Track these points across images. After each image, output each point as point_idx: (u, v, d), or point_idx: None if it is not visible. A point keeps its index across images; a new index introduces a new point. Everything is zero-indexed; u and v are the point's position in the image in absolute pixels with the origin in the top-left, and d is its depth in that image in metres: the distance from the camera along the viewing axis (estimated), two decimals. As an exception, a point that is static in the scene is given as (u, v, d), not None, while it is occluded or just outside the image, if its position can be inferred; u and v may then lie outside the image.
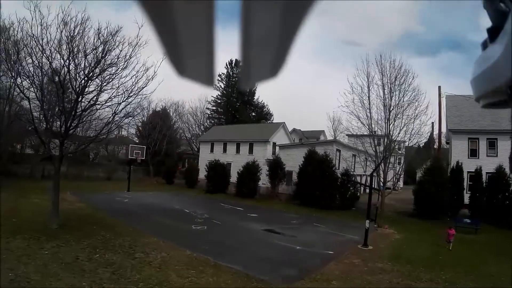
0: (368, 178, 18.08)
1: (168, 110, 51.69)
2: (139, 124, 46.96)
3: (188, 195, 30.97)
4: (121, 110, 14.48)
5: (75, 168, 34.55)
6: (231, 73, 58.84)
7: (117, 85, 13.85)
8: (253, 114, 58.67)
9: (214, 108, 59.46)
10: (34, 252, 10.10)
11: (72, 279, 8.40)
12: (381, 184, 23.96)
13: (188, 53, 0.33)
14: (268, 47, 0.33)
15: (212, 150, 40.13)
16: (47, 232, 12.38)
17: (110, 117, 14.56)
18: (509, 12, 0.49)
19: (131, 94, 14.06)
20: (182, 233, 14.91)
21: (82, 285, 8.16)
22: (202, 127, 56.04)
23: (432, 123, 28.78)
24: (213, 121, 57.67)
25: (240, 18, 0.30)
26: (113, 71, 13.56)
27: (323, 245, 14.19)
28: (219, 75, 59.23)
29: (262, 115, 58.54)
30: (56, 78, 12.94)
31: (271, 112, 60.26)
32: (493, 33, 0.55)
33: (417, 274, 10.80)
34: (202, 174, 34.93)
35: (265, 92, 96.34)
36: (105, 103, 14.04)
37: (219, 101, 59.21)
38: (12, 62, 12.82)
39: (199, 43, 0.32)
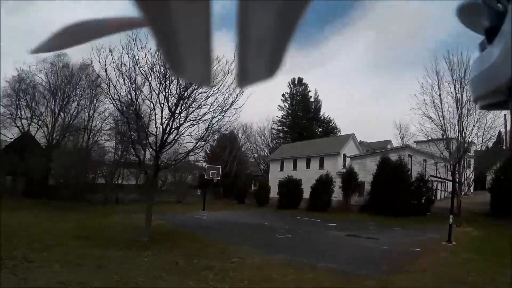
0: (441, 183, 17.69)
1: (236, 132, 53.29)
2: (208, 148, 48.98)
3: (262, 211, 31.52)
4: (213, 126, 15.42)
5: (145, 195, 36.67)
6: (294, 91, 59.85)
7: (210, 102, 14.87)
8: (320, 129, 58.60)
9: (280, 127, 60.48)
10: (132, 260, 10.45)
11: (177, 280, 8.59)
12: (457, 185, 23.18)
13: (185, 52, 0.33)
14: (265, 47, 0.33)
15: (282, 168, 40.64)
16: (139, 244, 12.93)
17: (203, 133, 15.41)
18: (507, 13, 0.49)
19: (224, 109, 14.97)
20: (270, 241, 15.00)
21: (189, 284, 8.33)
22: (268, 147, 57.14)
23: (505, 115, 27.24)
24: (279, 141, 58.19)
25: (236, 18, 0.30)
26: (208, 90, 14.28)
27: (407, 244, 14.28)
28: (283, 95, 60.49)
29: (328, 129, 58.22)
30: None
31: (337, 126, 59.58)
32: (491, 34, 0.53)
33: (506, 261, 10.49)
34: (272, 192, 35.66)
35: (329, 105, 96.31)
36: (200, 118, 14.98)
37: (284, 120, 60.13)
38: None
39: (196, 42, 0.32)
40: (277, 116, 60.31)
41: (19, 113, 33.57)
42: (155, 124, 15.00)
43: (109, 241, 13.13)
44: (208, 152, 49.46)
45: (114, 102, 14.78)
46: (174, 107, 14.49)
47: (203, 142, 15.90)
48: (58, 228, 15.47)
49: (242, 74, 0.36)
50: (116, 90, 14.33)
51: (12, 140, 34.24)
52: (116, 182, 38.62)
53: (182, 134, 15.00)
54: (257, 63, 0.35)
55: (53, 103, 32.60)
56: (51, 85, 32.74)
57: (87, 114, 34.75)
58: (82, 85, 33.70)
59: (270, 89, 60.68)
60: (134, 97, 14.32)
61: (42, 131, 34.40)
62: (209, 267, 9.88)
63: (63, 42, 0.42)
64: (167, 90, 14.27)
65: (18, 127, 33.98)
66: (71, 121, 33.10)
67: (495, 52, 0.50)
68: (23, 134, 33.71)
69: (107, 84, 14.28)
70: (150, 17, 0.30)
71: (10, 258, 9.36)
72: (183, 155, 17.08)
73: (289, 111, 59.92)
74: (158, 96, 14.31)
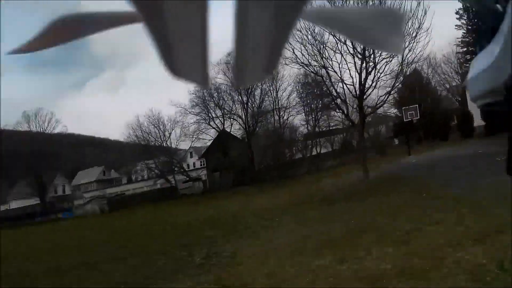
0: None
1: (419, 68, 47.77)
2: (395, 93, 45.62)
3: (470, 144, 26.65)
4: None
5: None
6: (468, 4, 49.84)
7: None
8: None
9: (464, 48, 51.40)
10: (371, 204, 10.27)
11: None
12: None
13: (181, 52, 0.33)
14: (262, 46, 0.33)
15: (483, 90, 34.45)
16: (361, 193, 12.71)
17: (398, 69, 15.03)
18: (505, 14, 0.48)
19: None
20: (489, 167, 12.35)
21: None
22: (458, 74, 49.17)
23: None
24: (468, 64, 49.60)
25: (234, 17, 0.30)
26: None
27: None
28: (456, 12, 51.16)
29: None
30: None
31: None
32: (490, 34, 0.52)
33: None
34: (476, 121, 30.18)
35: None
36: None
37: (467, 39, 50.83)
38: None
39: (193, 42, 0.32)
40: (457, 38, 51.04)
41: (211, 114, 37.24)
42: (349, 73, 14.68)
43: (331, 198, 13.08)
44: (396, 97, 45.68)
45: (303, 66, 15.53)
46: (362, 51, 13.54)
47: (401, 78, 14.65)
48: (274, 202, 15.99)
49: (239, 73, 0.37)
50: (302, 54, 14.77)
51: (212, 140, 38.41)
52: (312, 154, 39.46)
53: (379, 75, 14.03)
54: (254, 62, 0.35)
55: (239, 95, 34.96)
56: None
57: (273, 94, 36.34)
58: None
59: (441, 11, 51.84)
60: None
61: (237, 122, 37.65)
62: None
63: (47, 40, 0.38)
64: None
65: (213, 128, 37.88)
66: (260, 106, 35.16)
67: (493, 52, 0.51)
68: (219, 132, 37.36)
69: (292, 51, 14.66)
70: (146, 17, 0.30)
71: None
72: (383, 95, 15.55)
73: (469, 27, 49.83)
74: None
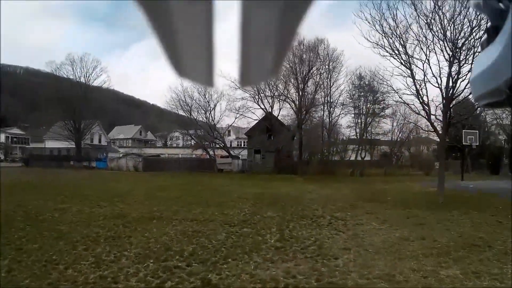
0: None
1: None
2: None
3: None
4: None
5: (382, 171, 35.94)
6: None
7: None
8: None
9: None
10: (447, 218, 9.87)
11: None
12: None
13: (187, 53, 0.33)
14: (267, 47, 0.33)
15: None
16: (436, 205, 12.27)
17: None
18: (508, 12, 0.48)
19: None
20: None
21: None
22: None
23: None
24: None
25: (239, 18, 0.30)
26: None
27: None
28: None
29: None
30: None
31: None
32: (492, 33, 0.52)
33: None
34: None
35: None
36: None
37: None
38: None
39: (199, 43, 0.32)
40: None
41: (261, 94, 36.03)
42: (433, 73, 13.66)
43: (403, 203, 12.70)
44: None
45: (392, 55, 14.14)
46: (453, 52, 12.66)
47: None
48: (337, 194, 15.71)
49: (245, 74, 0.37)
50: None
51: (258, 120, 37.54)
52: (351, 158, 38.82)
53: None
54: (259, 63, 0.35)
55: (295, 79, 34.13)
56: (290, 64, 33.74)
57: (324, 90, 35.53)
58: (319, 61, 34.42)
59: None
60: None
61: (288, 107, 36.74)
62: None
63: None
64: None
65: (261, 108, 36.87)
66: (313, 99, 34.31)
67: (496, 51, 0.49)
68: (266, 114, 36.58)
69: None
70: (152, 18, 0.30)
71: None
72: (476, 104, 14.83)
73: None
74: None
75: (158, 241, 6.71)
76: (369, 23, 14.60)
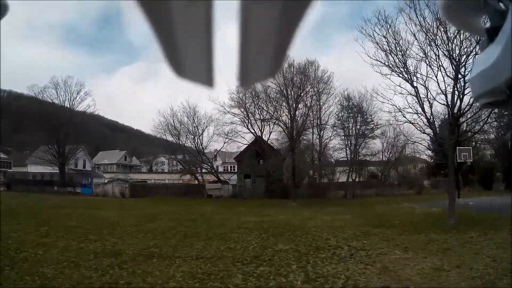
0: None
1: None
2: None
3: None
4: None
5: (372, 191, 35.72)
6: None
7: None
8: None
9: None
10: (468, 241, 9.44)
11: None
12: None
13: (187, 54, 0.33)
14: (267, 47, 0.33)
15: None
16: (446, 227, 11.77)
17: None
18: (508, 12, 0.48)
19: None
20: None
21: None
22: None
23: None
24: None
25: (238, 18, 0.30)
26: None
27: None
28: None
29: None
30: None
31: None
32: (492, 33, 0.52)
33: None
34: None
35: None
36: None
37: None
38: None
39: (198, 44, 0.32)
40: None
41: (250, 118, 35.56)
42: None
43: (414, 227, 12.15)
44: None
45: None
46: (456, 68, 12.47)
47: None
48: (339, 220, 14.99)
49: (244, 74, 0.36)
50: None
51: (247, 145, 36.98)
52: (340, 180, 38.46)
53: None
54: (259, 63, 0.35)
55: (287, 102, 33.60)
56: (281, 87, 33.24)
57: (314, 113, 35.05)
58: (309, 83, 34.04)
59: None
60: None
61: (278, 131, 36.02)
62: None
63: None
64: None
65: (251, 132, 36.23)
66: (305, 121, 33.71)
67: (496, 51, 0.49)
68: (256, 138, 35.95)
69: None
70: (152, 18, 0.30)
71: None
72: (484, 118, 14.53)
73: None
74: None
75: (174, 283, 5.75)
76: (373, 40, 14.27)
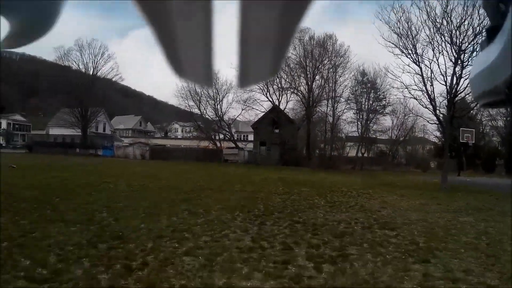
0: None
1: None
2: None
3: None
4: None
5: (380, 168, 37.74)
6: None
7: None
8: None
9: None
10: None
11: None
12: None
13: (186, 53, 0.33)
14: (266, 47, 0.34)
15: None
16: (440, 190, 13.78)
17: None
18: (508, 12, 0.48)
19: None
20: None
21: None
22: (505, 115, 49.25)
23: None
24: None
25: (238, 18, 0.31)
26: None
27: None
28: None
29: None
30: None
31: None
32: (492, 33, 0.53)
33: None
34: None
35: None
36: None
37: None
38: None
39: (197, 43, 0.33)
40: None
41: (269, 87, 37.22)
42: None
43: (413, 188, 14.50)
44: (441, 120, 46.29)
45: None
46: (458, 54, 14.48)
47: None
48: (350, 181, 17.34)
49: (243, 74, 0.37)
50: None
51: (264, 113, 38.82)
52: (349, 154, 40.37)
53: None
54: (258, 63, 0.36)
55: (305, 73, 35.52)
56: (301, 58, 35.46)
57: (330, 85, 36.80)
58: (327, 56, 35.82)
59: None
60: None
61: (300, 99, 37.90)
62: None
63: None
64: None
65: (269, 100, 38.21)
66: (320, 92, 35.67)
67: (496, 51, 0.49)
68: (274, 106, 37.82)
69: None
70: (150, 17, 0.30)
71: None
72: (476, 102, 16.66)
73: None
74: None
75: (233, 201, 8.26)
76: (387, 24, 16.22)
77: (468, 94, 15.53)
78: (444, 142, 16.39)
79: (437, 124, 18.19)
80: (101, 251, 4.02)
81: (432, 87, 15.64)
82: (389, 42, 16.41)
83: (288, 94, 37.99)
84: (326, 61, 35.27)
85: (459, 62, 14.65)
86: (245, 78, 0.39)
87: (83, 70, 44.19)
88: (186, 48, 0.33)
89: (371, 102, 38.40)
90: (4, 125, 64.74)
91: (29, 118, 73.66)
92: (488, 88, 0.55)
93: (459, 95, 15.56)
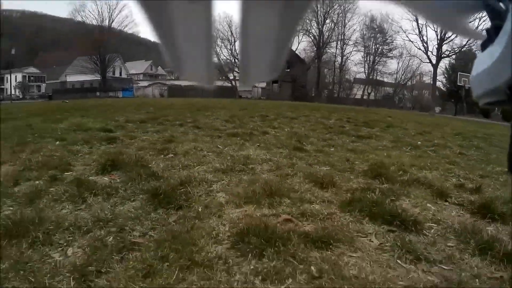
0: None
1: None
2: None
3: None
4: None
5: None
6: None
7: None
8: None
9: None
10: None
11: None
12: None
13: (186, 52, 0.33)
14: (268, 46, 0.34)
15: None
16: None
17: None
18: (508, 12, 0.47)
19: None
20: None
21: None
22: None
23: None
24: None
25: (239, 17, 0.30)
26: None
27: None
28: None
29: None
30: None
31: None
32: (492, 33, 0.50)
33: None
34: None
35: None
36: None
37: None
38: None
39: (198, 42, 0.32)
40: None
41: None
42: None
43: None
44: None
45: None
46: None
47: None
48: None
49: (245, 73, 0.37)
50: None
51: None
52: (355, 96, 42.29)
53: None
54: (260, 62, 0.36)
55: (316, 17, 37.08)
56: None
57: (339, 28, 38.43)
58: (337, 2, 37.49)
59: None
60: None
61: (311, 40, 39.94)
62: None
63: None
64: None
65: None
66: (330, 35, 37.41)
67: (496, 52, 0.48)
68: None
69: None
70: (151, 17, 0.30)
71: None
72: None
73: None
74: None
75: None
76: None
77: (453, 39, 17.41)
78: (433, 79, 18.93)
79: (428, 63, 20.81)
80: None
81: (426, 31, 17.85)
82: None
83: (299, 36, 39.66)
84: (336, 6, 36.55)
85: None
86: (247, 76, 0.45)
87: (96, 21, 46.65)
88: (187, 47, 0.33)
89: (378, 45, 40.07)
90: (19, 78, 67.17)
91: (42, 70, 74.88)
92: (489, 88, 0.61)
93: (446, 40, 17.78)
